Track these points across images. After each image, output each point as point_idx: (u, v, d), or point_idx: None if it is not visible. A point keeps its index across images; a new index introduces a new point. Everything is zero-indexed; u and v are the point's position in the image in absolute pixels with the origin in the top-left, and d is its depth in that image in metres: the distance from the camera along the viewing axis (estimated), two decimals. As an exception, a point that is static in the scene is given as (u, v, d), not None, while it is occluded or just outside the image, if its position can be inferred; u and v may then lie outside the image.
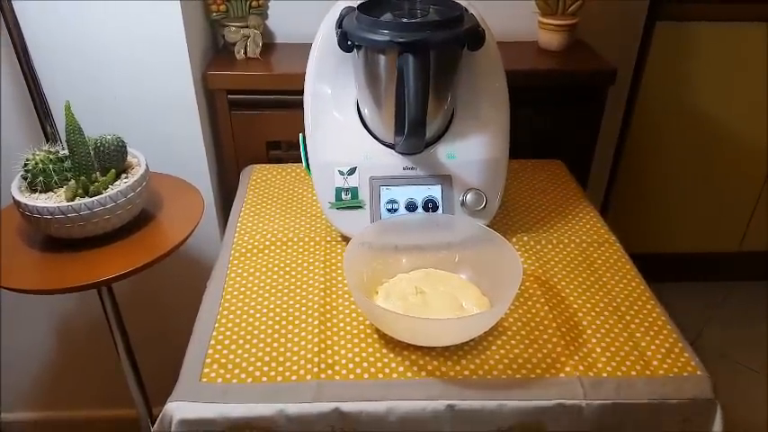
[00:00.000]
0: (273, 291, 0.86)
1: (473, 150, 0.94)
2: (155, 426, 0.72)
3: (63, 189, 0.87)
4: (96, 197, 0.85)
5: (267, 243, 0.96)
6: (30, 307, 1.33)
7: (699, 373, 0.75)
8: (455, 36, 0.85)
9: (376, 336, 0.79)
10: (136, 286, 1.28)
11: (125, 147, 0.92)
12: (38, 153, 0.87)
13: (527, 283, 0.88)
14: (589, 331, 0.81)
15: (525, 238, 0.98)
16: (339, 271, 0.90)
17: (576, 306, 0.85)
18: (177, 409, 0.69)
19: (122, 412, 1.46)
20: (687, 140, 1.71)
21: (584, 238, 0.99)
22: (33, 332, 1.38)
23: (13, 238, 0.92)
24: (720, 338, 1.88)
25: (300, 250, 0.95)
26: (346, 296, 0.86)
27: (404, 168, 0.93)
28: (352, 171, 0.93)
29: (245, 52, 1.18)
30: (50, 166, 0.86)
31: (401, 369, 0.74)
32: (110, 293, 1.03)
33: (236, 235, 0.97)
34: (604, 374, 0.74)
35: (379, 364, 0.75)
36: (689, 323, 1.92)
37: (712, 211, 1.88)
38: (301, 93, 0.97)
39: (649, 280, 0.90)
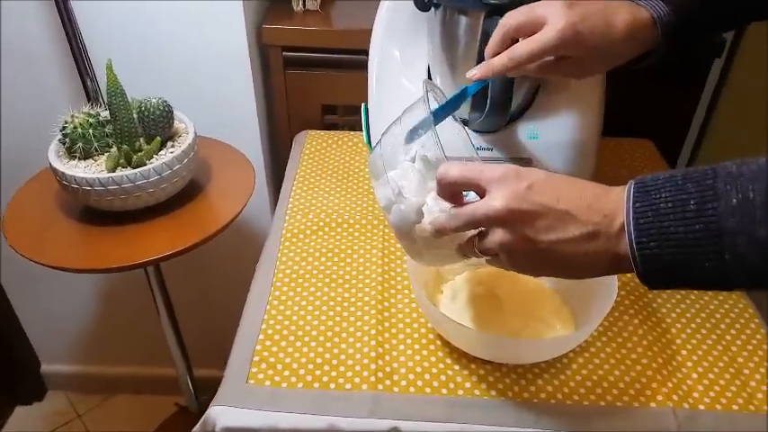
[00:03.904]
0: (327, 281, 0.78)
1: (559, 130, 0.83)
2: (197, 427, 0.67)
3: (104, 157, 0.80)
4: (139, 169, 0.77)
5: (321, 224, 0.87)
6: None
7: (813, 412, 0.64)
8: (551, -2, 0.72)
9: (439, 342, 0.70)
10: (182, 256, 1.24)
11: (171, 112, 0.84)
12: (77, 116, 0.79)
13: (612, 289, 0.78)
14: (684, 352, 0.71)
15: (610, 234, 0.87)
16: (399, 261, 0.81)
17: (669, 320, 0.74)
18: (221, 414, 0.63)
19: (162, 371, 1.45)
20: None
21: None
22: (78, 288, 1.36)
23: (50, 206, 0.86)
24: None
25: (357, 234, 0.86)
26: (407, 291, 0.77)
27: (478, 148, 0.82)
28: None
29: (304, 4, 1.07)
30: (90, 130, 0.78)
31: (468, 385, 0.66)
32: (155, 269, 0.98)
33: (288, 213, 0.89)
34: (701, 406, 0.65)
35: (443, 377, 0.67)
36: None
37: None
38: (364, 52, 0.87)
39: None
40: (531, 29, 0.58)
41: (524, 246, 0.47)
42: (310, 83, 1.08)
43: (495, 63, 0.59)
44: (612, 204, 0.45)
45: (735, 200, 0.39)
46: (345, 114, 1.12)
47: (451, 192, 0.51)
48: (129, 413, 1.51)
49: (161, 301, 1.03)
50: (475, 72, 0.61)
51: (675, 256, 0.41)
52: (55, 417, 1.51)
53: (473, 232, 0.53)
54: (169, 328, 1.09)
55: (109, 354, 1.49)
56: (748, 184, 0.39)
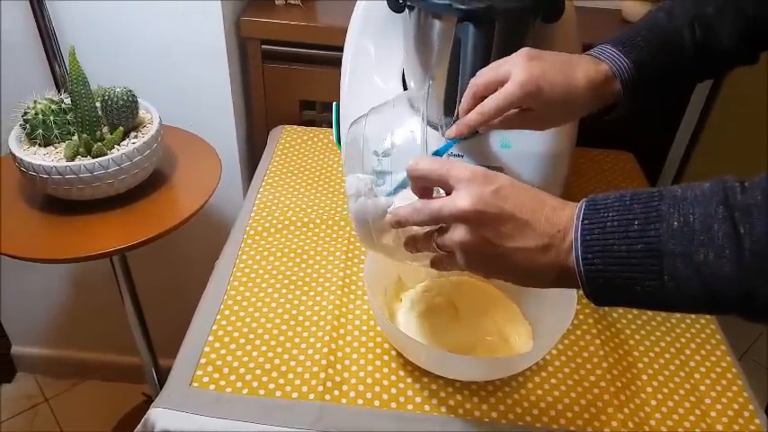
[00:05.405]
0: (286, 282, 0.77)
1: (533, 140, 0.80)
2: (138, 427, 0.65)
3: (64, 145, 0.78)
4: (98, 159, 0.75)
5: (286, 223, 0.85)
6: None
7: (772, 446, 0.63)
8: (528, 4, 0.70)
9: (394, 353, 0.68)
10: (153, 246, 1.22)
11: (136, 102, 0.81)
12: (39, 102, 0.77)
13: (577, 307, 0.75)
14: (645, 376, 0.69)
15: (581, 249, 0.84)
16: (361, 266, 0.79)
17: (632, 342, 0.73)
18: (160, 416, 0.62)
19: (132, 360, 1.43)
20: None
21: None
22: (51, 271, 1.34)
23: (12, 193, 0.84)
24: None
25: (322, 234, 0.84)
26: (366, 297, 0.75)
27: (448, 155, 0.80)
28: (387, 152, 0.81)
29: (286, -3, 1.05)
30: (51, 117, 0.76)
31: (418, 400, 0.64)
32: (121, 258, 0.96)
33: (254, 209, 0.87)
34: (657, 434, 0.63)
35: (394, 391, 0.65)
36: (742, 333, 1.77)
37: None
38: (343, 49, 0.84)
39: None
40: (497, 85, 0.60)
41: (483, 247, 0.47)
42: (289, 77, 1.05)
43: (467, 121, 0.61)
44: (566, 219, 0.45)
45: (676, 223, 0.40)
46: (324, 111, 1.09)
47: (420, 185, 0.51)
48: (97, 400, 1.49)
49: (126, 290, 1.02)
50: (452, 131, 0.62)
51: (618, 274, 0.42)
52: (23, 399, 1.49)
53: (423, 228, 0.52)
54: (134, 317, 1.07)
55: (80, 339, 1.47)
56: (690, 208, 0.40)
